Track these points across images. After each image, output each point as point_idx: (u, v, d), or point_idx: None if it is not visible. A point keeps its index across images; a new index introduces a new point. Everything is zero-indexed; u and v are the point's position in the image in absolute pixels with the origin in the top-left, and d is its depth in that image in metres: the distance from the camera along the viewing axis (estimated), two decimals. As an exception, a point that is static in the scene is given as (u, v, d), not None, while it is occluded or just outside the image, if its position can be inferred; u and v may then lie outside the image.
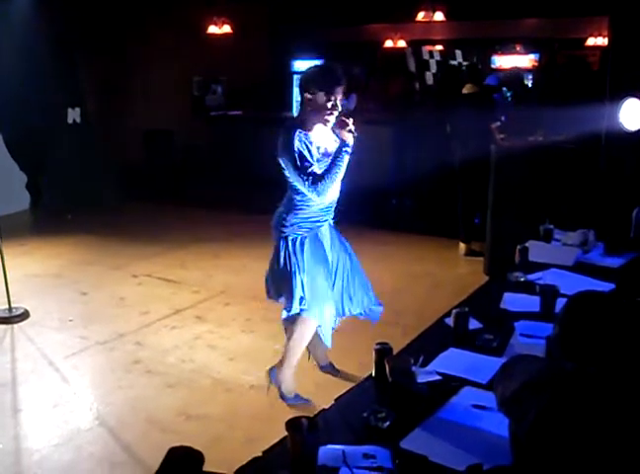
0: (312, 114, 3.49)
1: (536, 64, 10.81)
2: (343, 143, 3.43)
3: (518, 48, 11.20)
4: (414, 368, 2.40)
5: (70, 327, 5.06)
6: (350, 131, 3.40)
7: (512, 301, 3.13)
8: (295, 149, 3.41)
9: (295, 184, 3.50)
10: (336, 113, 3.48)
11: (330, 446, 1.95)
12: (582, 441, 1.37)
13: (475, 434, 2.07)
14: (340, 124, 3.44)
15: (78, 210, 8.16)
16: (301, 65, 11.60)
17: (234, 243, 7.23)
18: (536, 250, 3.74)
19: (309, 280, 3.56)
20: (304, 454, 1.87)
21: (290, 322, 3.71)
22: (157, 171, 10.09)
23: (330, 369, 4.16)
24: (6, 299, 5.19)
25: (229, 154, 9.98)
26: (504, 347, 2.65)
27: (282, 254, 3.60)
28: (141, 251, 6.95)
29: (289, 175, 3.50)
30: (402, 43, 12.21)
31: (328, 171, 3.42)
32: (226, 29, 10.72)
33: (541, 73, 10.37)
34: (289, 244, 3.59)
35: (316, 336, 3.81)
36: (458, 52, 12.34)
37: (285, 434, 1.91)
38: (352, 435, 2.06)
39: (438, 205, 7.86)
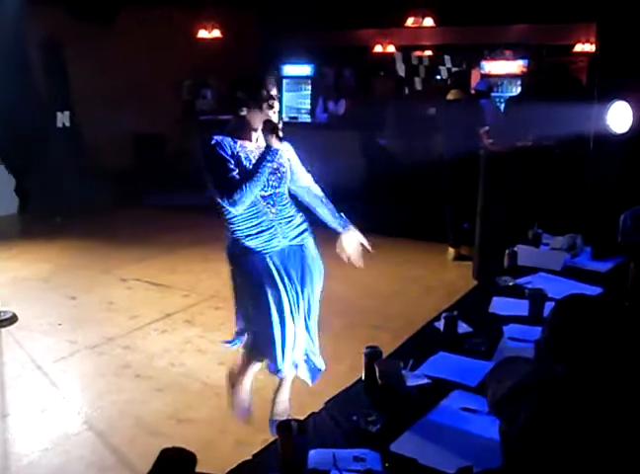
0: (251, 119, 3.14)
1: (525, 70, 10.86)
2: (268, 148, 3.07)
3: (507, 54, 11.25)
4: (403, 372, 2.41)
5: (59, 331, 5.05)
6: (277, 136, 3.07)
7: (500, 305, 3.14)
8: (217, 155, 3.07)
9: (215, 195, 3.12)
10: (276, 106, 3.14)
11: (320, 449, 1.96)
12: (572, 443, 1.39)
13: (465, 436, 2.08)
14: (267, 127, 3.10)
15: (67, 214, 8.13)
16: (291, 70, 11.62)
17: (224, 247, 7.21)
18: (525, 254, 3.76)
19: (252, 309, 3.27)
20: (294, 457, 1.88)
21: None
22: (147, 175, 10.06)
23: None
24: (-6, 303, 5.18)
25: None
26: (493, 350, 2.67)
27: (233, 276, 3.32)
28: (131, 255, 6.93)
29: (210, 185, 3.13)
30: (392, 49, 12.26)
31: (248, 178, 3.02)
32: (216, 33, 10.73)
33: (530, 79, 10.41)
34: (236, 266, 3.28)
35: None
36: (447, 58, 12.38)
37: (276, 437, 1.92)
38: (341, 439, 2.07)
39: (426, 210, 7.88)
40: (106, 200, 8.76)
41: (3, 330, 5.02)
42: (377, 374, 2.36)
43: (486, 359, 2.54)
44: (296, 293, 3.25)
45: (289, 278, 3.22)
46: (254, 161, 3.11)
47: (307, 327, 3.37)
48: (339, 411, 2.26)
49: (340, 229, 3.44)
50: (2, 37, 7.81)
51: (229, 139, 3.13)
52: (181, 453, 1.72)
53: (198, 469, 1.71)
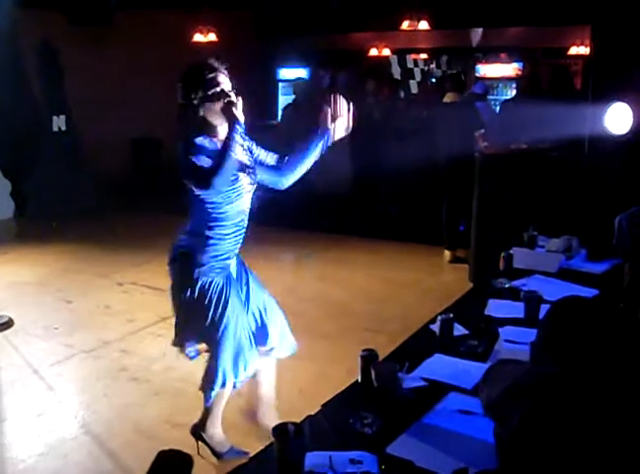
0: (212, 117, 2.98)
1: (520, 73, 10.89)
2: (233, 127, 2.89)
3: (502, 57, 11.29)
4: (399, 374, 2.42)
5: (55, 335, 5.04)
6: (234, 109, 2.89)
7: (496, 308, 3.15)
8: (194, 154, 2.88)
9: (212, 204, 2.97)
10: (232, 97, 2.94)
11: (316, 452, 1.96)
12: (565, 444, 1.39)
13: (461, 439, 2.09)
14: (225, 109, 2.92)
15: (63, 218, 8.12)
16: (287, 73, 11.63)
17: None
18: (520, 256, 3.77)
19: (230, 330, 3.08)
20: (291, 460, 1.88)
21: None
22: (143, 179, 10.06)
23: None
24: (-10, 307, 5.17)
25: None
26: (488, 352, 2.68)
27: (196, 299, 3.10)
28: (127, 259, 6.93)
29: (191, 185, 2.94)
30: (387, 52, 12.29)
31: (220, 156, 2.85)
32: (212, 37, 10.73)
33: (525, 82, 10.44)
34: (203, 289, 3.08)
35: (257, 393, 3.45)
36: (443, 61, 12.42)
37: (272, 440, 1.92)
38: (338, 441, 2.07)
39: (422, 213, 7.90)
40: (102, 204, 8.76)
41: (-1, 334, 5.03)
42: (373, 377, 2.36)
43: (482, 362, 2.55)
44: (247, 297, 3.23)
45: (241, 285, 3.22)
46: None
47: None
48: (335, 413, 2.27)
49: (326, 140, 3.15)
50: (-2, 41, 7.81)
51: (208, 139, 2.97)
52: (177, 456, 1.73)
53: (194, 472, 1.71)
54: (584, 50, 10.03)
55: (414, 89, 12.54)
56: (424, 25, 10.34)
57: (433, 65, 12.60)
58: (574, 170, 5.58)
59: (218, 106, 2.94)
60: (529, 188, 5.62)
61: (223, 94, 2.94)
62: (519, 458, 1.44)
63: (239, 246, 3.18)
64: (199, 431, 3.34)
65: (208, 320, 3.08)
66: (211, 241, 3.05)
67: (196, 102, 2.95)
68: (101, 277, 6.37)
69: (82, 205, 8.53)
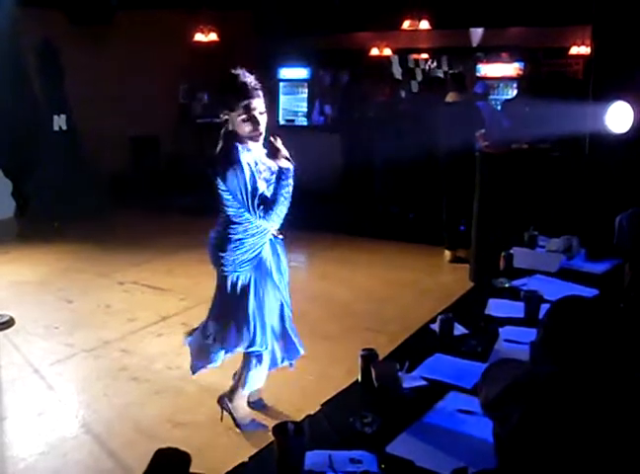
0: (240, 130, 3.14)
1: (521, 73, 10.89)
2: (281, 170, 3.10)
3: (503, 57, 11.29)
4: (400, 374, 2.42)
5: (56, 334, 5.04)
6: (284, 157, 3.09)
7: (496, 307, 3.16)
8: (245, 167, 3.04)
9: (233, 210, 3.17)
10: (261, 126, 3.13)
11: (316, 451, 1.96)
12: (564, 443, 1.40)
13: (460, 438, 2.09)
14: (271, 151, 3.11)
15: (64, 218, 8.12)
16: (288, 73, 11.63)
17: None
18: (521, 256, 3.77)
19: (260, 318, 3.29)
20: (291, 459, 1.89)
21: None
22: (143, 178, 10.07)
23: (259, 407, 3.80)
24: (-9, 307, 5.18)
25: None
26: (488, 352, 2.68)
27: (229, 292, 3.31)
28: (128, 258, 6.93)
29: (230, 199, 3.13)
30: (388, 52, 12.29)
31: (275, 200, 3.08)
32: (213, 36, 10.74)
33: (526, 82, 10.45)
34: (233, 283, 3.28)
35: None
36: (444, 61, 12.43)
37: (272, 439, 1.93)
38: (338, 440, 2.07)
39: (423, 212, 7.91)
40: (102, 203, 8.76)
41: (0, 333, 5.02)
42: (373, 376, 2.36)
43: (482, 361, 2.55)
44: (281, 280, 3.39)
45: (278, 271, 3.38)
46: (260, 168, 3.14)
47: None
48: (335, 413, 2.27)
49: None
50: (-1, 40, 7.82)
51: (241, 146, 3.12)
52: (175, 453, 1.73)
53: (193, 470, 1.72)
54: (585, 50, 10.04)
55: (415, 89, 12.54)
56: (425, 24, 10.34)
57: (434, 65, 12.61)
58: (574, 170, 5.57)
59: (247, 128, 3.10)
60: (530, 187, 5.62)
61: (254, 119, 3.10)
62: (517, 457, 1.44)
63: (265, 239, 3.28)
64: (225, 400, 3.57)
65: (247, 312, 3.26)
66: (235, 237, 3.21)
67: (227, 118, 3.15)
68: (101, 277, 6.38)
69: (83, 205, 8.53)
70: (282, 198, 3.09)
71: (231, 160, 3.05)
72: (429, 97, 8.04)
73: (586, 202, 5.23)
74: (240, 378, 3.53)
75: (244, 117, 3.09)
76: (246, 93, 3.09)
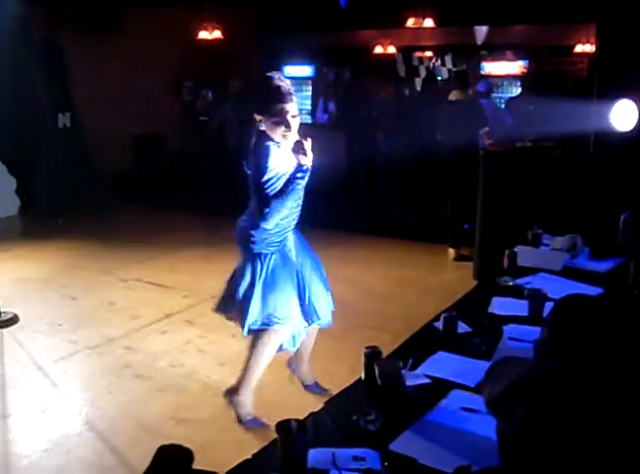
0: (272, 132, 3.27)
1: (525, 71, 10.86)
2: (299, 167, 3.20)
3: (507, 55, 11.26)
4: (403, 372, 2.42)
5: (60, 331, 5.05)
6: (308, 156, 3.19)
7: (500, 305, 3.15)
8: (269, 163, 3.17)
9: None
10: (293, 129, 3.25)
11: (320, 449, 1.96)
12: (568, 442, 1.39)
13: (464, 436, 2.09)
14: (297, 146, 3.21)
15: (68, 215, 8.14)
16: (292, 70, 11.63)
17: (224, 247, 7.18)
18: (525, 255, 3.77)
19: (276, 296, 3.40)
20: (294, 457, 1.89)
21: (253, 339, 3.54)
22: (147, 175, 10.09)
23: (315, 389, 3.94)
24: (-5, 304, 5.19)
25: (219, 159, 9.98)
26: (492, 350, 2.68)
27: (250, 270, 3.44)
28: (131, 255, 6.94)
29: (259, 184, 3.22)
30: (392, 49, 12.26)
31: (278, 195, 3.18)
32: (217, 34, 10.74)
33: (530, 80, 10.43)
34: (258, 261, 3.42)
35: (299, 353, 3.83)
36: (448, 58, 12.39)
37: (276, 436, 1.93)
38: (341, 438, 2.07)
39: (427, 210, 7.90)
40: (106, 201, 8.77)
41: (4, 330, 5.03)
42: (377, 374, 2.36)
43: (485, 359, 2.54)
44: (302, 267, 3.55)
45: (297, 258, 3.55)
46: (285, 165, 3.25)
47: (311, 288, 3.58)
48: (338, 410, 2.27)
49: None
50: (3, 38, 7.82)
51: (272, 143, 3.23)
52: (178, 450, 1.73)
53: (196, 467, 1.72)
54: (589, 48, 10.01)
55: (419, 87, 12.52)
56: (429, 22, 10.33)
57: (438, 63, 12.58)
58: (579, 168, 5.57)
59: (279, 130, 3.23)
60: (534, 185, 5.62)
61: (286, 122, 3.23)
62: (521, 456, 1.43)
63: (294, 223, 3.48)
64: (231, 394, 3.63)
65: (256, 289, 3.40)
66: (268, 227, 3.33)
67: (259, 118, 3.28)
68: (105, 274, 6.39)
69: (86, 202, 8.54)
70: (285, 198, 3.19)
71: (261, 156, 3.18)
72: (432, 95, 8.05)
73: (590, 201, 5.22)
74: (245, 369, 3.57)
75: (277, 119, 3.21)
76: (280, 97, 3.20)
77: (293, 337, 3.64)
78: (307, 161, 3.18)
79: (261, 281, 3.40)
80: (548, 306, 2.56)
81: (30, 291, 5.92)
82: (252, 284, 3.43)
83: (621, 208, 4.01)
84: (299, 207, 3.46)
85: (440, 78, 12.02)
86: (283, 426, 1.93)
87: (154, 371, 4.40)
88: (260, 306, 3.40)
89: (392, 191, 8.76)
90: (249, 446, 2.15)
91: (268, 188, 3.17)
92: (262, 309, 3.40)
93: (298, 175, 3.19)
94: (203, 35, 10.68)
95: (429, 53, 12.53)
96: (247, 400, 3.61)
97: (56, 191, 8.51)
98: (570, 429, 1.40)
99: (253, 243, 3.39)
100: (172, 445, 1.74)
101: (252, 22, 11.92)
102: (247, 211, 3.49)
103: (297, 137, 3.25)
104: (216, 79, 10.97)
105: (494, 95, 9.36)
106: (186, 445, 1.74)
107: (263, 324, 3.43)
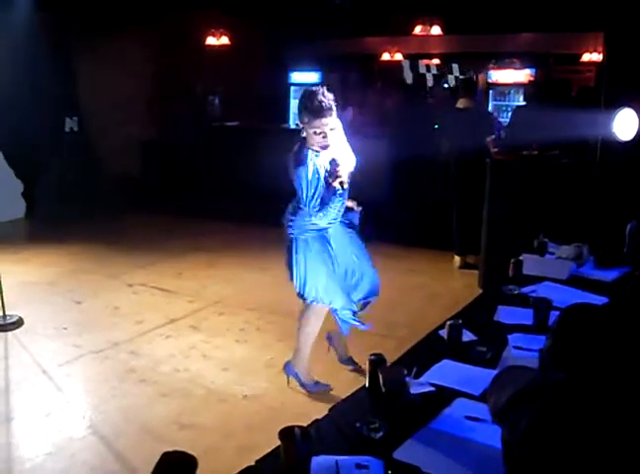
0: (312, 141, 3.65)
1: (532, 79, 10.85)
2: (333, 189, 3.61)
3: (514, 63, 11.25)
4: (407, 379, 2.41)
5: (64, 335, 5.06)
6: (340, 183, 3.60)
7: (505, 314, 3.14)
8: (312, 169, 3.56)
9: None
10: (329, 139, 3.62)
11: (323, 456, 1.96)
12: (573, 450, 1.39)
13: (468, 445, 2.08)
14: (331, 174, 3.61)
15: (74, 219, 8.15)
16: (299, 77, 11.65)
17: (229, 253, 7.25)
18: (530, 263, 3.76)
19: (313, 276, 3.77)
20: (297, 464, 1.88)
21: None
22: (154, 181, 10.11)
23: (350, 364, 4.25)
24: (0, 307, 5.19)
25: (226, 165, 10.01)
26: (497, 359, 2.67)
27: (289, 250, 3.83)
28: (137, 260, 6.95)
29: (299, 189, 3.63)
30: (399, 57, 12.28)
31: (325, 202, 3.63)
32: (224, 40, 10.77)
33: (534, 88, 10.41)
34: (295, 243, 3.79)
35: (338, 330, 4.05)
36: (455, 66, 12.40)
37: (279, 443, 1.92)
38: (345, 446, 2.07)
39: (433, 218, 7.88)
40: (113, 206, 8.79)
41: (9, 333, 5.04)
42: (381, 381, 2.35)
43: (490, 368, 2.53)
44: (344, 253, 3.93)
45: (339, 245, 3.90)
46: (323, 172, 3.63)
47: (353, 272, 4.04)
48: (342, 418, 2.26)
49: None
50: (12, 44, 7.87)
51: (311, 151, 3.61)
52: (182, 457, 1.72)
53: (199, 473, 1.71)
54: (597, 57, 10.01)
55: (425, 94, 12.52)
56: (436, 30, 10.35)
57: (444, 70, 12.59)
58: (585, 176, 5.55)
59: (317, 140, 3.63)
60: (540, 194, 5.60)
61: (324, 134, 3.61)
62: (526, 465, 1.43)
63: (337, 219, 3.82)
64: (290, 366, 4.01)
65: (296, 265, 3.82)
66: (307, 217, 3.72)
67: (301, 126, 3.69)
68: (111, 278, 6.39)
69: (93, 206, 8.56)
70: (332, 203, 3.64)
71: (300, 162, 3.59)
72: (439, 102, 8.04)
73: (596, 210, 5.20)
74: (297, 341, 3.97)
75: (316, 130, 3.60)
76: (320, 112, 3.57)
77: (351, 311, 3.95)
78: (337, 184, 3.58)
79: (302, 263, 3.78)
80: (554, 315, 2.54)
81: (35, 295, 5.93)
82: (291, 265, 3.84)
83: (628, 218, 4.00)
84: (341, 206, 3.78)
85: (446, 85, 12.04)
86: (287, 433, 1.92)
87: (158, 376, 4.40)
88: (301, 283, 3.81)
89: (398, 198, 8.74)
90: (252, 453, 2.14)
91: (313, 199, 3.59)
92: (302, 286, 3.82)
93: (333, 195, 3.61)
94: (211, 41, 10.72)
95: (436, 61, 12.55)
96: (303, 369, 3.98)
97: (62, 195, 8.53)
98: (575, 438, 1.40)
99: (291, 227, 3.78)
100: (176, 452, 1.73)
101: (261, 29, 11.96)
102: (292, 202, 3.83)
103: (336, 151, 3.66)
104: (224, 85, 11.03)
105: (500, 103, 9.35)
106: (189, 452, 1.74)
107: (305, 299, 3.86)
